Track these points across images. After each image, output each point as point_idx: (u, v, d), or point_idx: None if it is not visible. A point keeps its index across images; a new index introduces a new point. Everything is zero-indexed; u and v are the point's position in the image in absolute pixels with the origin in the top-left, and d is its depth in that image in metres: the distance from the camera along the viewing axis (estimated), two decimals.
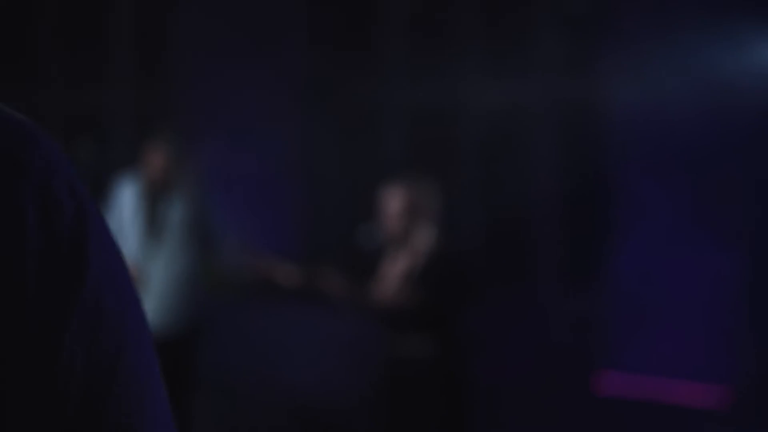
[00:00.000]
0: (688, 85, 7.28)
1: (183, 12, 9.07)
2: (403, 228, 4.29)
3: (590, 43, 8.09)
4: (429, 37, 8.87)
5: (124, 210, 5.60)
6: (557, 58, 8.34)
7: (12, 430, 0.71)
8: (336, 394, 6.30)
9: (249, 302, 7.80)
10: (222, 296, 7.97)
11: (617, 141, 7.78)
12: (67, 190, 0.77)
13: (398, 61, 8.89)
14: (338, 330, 6.20)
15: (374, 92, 8.96)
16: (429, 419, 4.15)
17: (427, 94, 8.88)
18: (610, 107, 7.77)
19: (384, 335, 4.32)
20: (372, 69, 9.02)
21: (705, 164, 7.36)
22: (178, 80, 9.07)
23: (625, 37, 7.59)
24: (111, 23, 9.67)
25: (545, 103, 8.38)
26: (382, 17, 8.92)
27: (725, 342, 7.30)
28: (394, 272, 4.31)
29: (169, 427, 0.80)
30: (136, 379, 0.77)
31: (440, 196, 4.38)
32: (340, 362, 6.63)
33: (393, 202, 4.30)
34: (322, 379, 6.79)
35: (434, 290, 4.12)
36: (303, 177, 8.79)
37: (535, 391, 7.51)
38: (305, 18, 8.83)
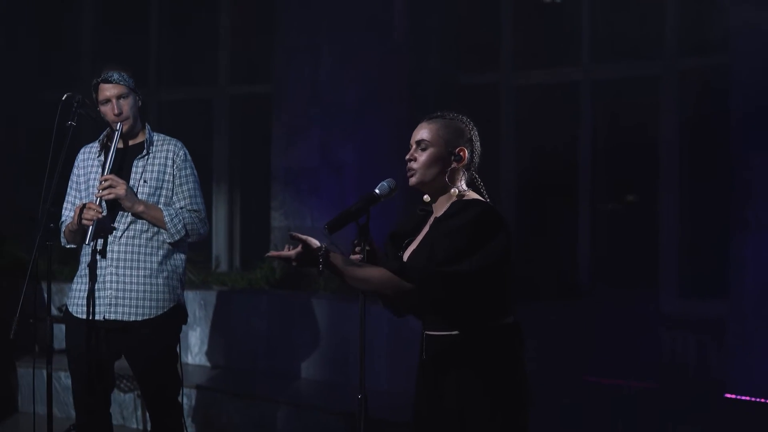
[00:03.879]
0: None
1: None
2: (432, 175, 3.36)
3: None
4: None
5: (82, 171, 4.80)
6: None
7: None
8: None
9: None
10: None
11: (741, 116, 6.64)
12: None
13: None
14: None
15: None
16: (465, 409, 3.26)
17: (534, 73, 8.02)
18: (735, 79, 6.69)
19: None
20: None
21: None
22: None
23: None
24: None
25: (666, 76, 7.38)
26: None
27: None
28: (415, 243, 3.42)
29: None
30: None
31: (479, 141, 3.47)
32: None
33: (420, 137, 3.38)
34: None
35: (438, 249, 3.22)
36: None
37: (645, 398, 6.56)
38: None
